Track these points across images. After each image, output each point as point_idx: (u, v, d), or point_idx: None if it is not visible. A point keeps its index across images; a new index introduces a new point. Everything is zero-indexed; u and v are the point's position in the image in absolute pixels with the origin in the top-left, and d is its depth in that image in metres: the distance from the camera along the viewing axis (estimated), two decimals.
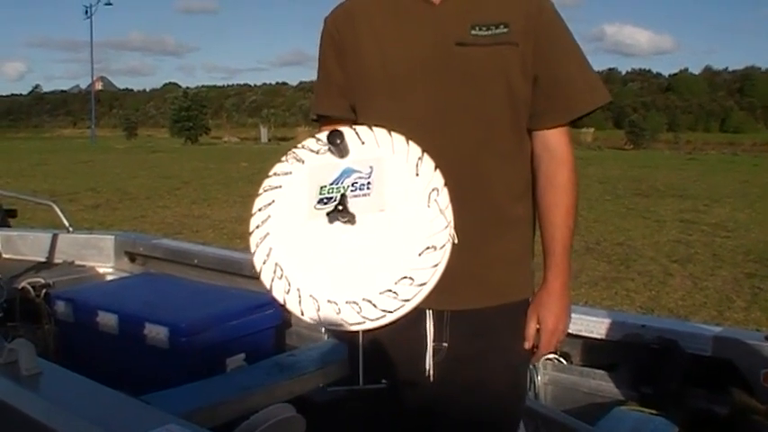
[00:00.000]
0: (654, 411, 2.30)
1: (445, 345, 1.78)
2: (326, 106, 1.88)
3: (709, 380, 2.39)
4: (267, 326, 3.04)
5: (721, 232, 10.50)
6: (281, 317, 3.09)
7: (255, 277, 3.33)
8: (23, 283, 3.56)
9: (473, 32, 1.69)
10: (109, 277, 4.01)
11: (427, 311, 1.77)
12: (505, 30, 1.69)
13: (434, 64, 1.70)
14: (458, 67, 1.70)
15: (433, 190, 1.50)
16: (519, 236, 1.82)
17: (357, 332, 1.53)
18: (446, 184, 1.56)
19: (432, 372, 1.78)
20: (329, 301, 1.45)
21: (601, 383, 2.51)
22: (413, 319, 1.76)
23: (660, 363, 2.39)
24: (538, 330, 1.78)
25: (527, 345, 1.79)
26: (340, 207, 1.50)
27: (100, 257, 4.08)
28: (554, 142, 1.78)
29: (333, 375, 2.54)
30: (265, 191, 1.61)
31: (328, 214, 1.50)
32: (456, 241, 1.47)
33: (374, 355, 1.73)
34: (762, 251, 8.94)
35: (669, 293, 6.95)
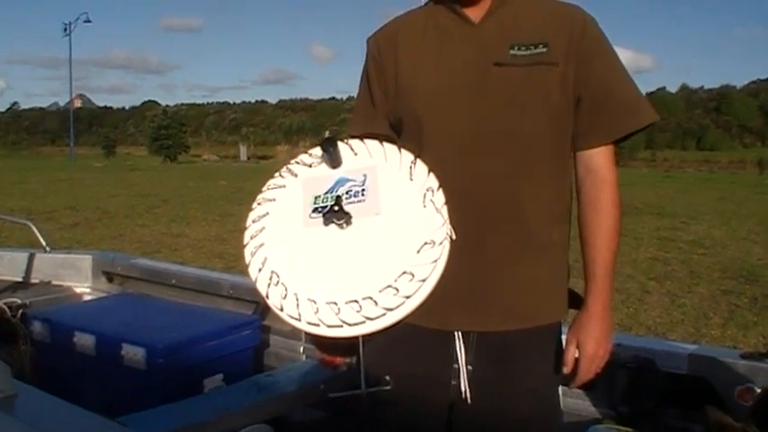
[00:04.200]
0: (630, 430, 2.31)
1: (470, 368, 1.76)
2: (365, 126, 1.87)
3: (684, 398, 2.41)
4: (245, 346, 3.04)
5: (698, 249, 10.58)
6: (259, 337, 3.09)
7: (234, 297, 3.36)
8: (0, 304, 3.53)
9: (511, 52, 1.69)
10: (86, 297, 3.98)
11: (456, 333, 1.76)
12: (544, 49, 1.69)
13: (472, 84, 1.70)
14: (495, 88, 1.69)
15: (428, 190, 1.51)
16: (552, 260, 1.80)
17: (361, 342, 1.51)
18: (478, 205, 1.61)
19: (468, 394, 1.76)
20: (328, 303, 1.42)
21: (577, 402, 2.51)
22: (437, 339, 1.76)
23: (636, 381, 2.40)
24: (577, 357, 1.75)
25: (566, 370, 1.76)
26: (336, 208, 1.50)
27: (77, 277, 4.06)
28: (597, 163, 1.76)
29: (311, 395, 2.54)
30: (259, 204, 1.60)
31: (324, 215, 1.50)
32: (454, 237, 1.46)
33: (390, 375, 1.72)
34: (738, 268, 9.02)
35: (647, 311, 6.99)
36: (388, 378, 1.62)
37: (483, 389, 1.75)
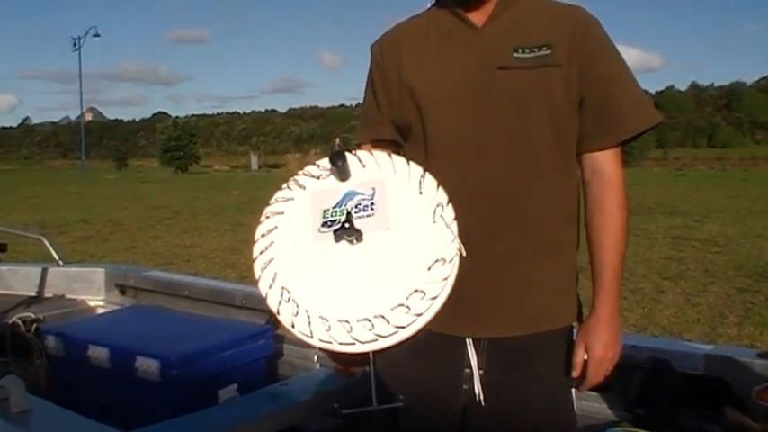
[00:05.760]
0: None
1: (481, 372, 1.76)
2: (372, 132, 1.88)
3: (701, 399, 2.39)
4: (259, 356, 3.03)
5: (712, 248, 10.52)
6: (272, 346, 3.09)
7: (247, 307, 3.36)
8: (14, 318, 3.54)
9: (515, 55, 1.69)
10: (100, 310, 3.99)
11: (467, 339, 1.76)
12: (548, 52, 1.68)
13: (476, 88, 1.70)
14: (500, 91, 1.69)
15: (437, 205, 1.50)
16: (562, 262, 1.79)
17: (371, 356, 1.50)
18: (485, 208, 1.63)
19: (482, 398, 1.75)
20: (340, 321, 1.42)
21: (593, 405, 2.50)
22: (447, 345, 1.76)
23: (652, 383, 2.38)
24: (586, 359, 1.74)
25: (574, 373, 1.75)
26: (347, 225, 1.49)
27: (90, 290, 4.07)
28: (603, 165, 1.76)
29: (326, 404, 2.53)
30: (267, 217, 1.59)
31: (335, 232, 1.49)
32: (464, 253, 1.46)
33: (401, 382, 1.71)
34: (753, 266, 8.95)
35: (662, 311, 6.95)
36: (401, 397, 1.61)
37: (495, 392, 1.75)
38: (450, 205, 1.50)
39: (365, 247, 1.49)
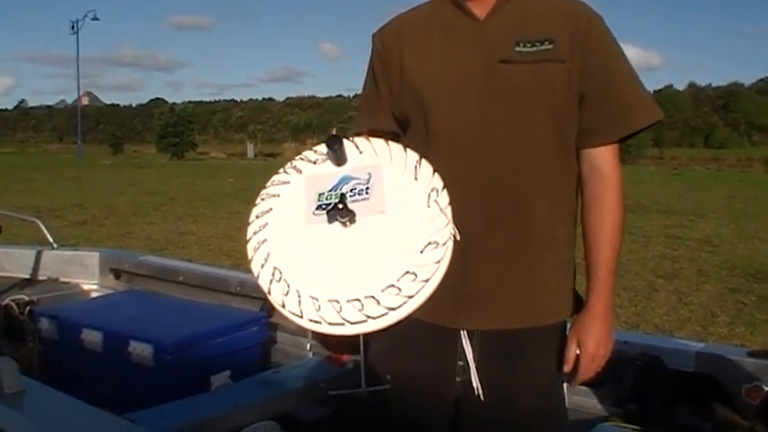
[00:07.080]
0: (637, 427, 2.31)
1: (474, 364, 1.76)
2: (371, 122, 1.87)
3: (692, 396, 2.40)
4: (252, 343, 3.04)
5: (706, 247, 10.55)
6: (266, 334, 3.10)
7: (241, 294, 3.36)
8: (7, 300, 3.54)
9: (517, 49, 1.67)
10: (94, 294, 3.99)
11: (462, 332, 1.76)
12: (550, 46, 1.67)
13: (477, 81, 1.69)
14: (501, 85, 1.68)
15: (432, 190, 1.50)
16: (559, 258, 1.79)
17: (360, 339, 1.50)
18: (483, 202, 1.62)
19: (480, 390, 1.75)
20: (330, 301, 1.41)
21: (585, 400, 2.51)
22: (441, 336, 1.76)
23: (644, 379, 2.40)
24: (578, 355, 1.74)
25: (566, 368, 1.75)
26: (340, 206, 1.48)
27: (85, 274, 4.07)
28: (601, 161, 1.75)
29: (318, 392, 2.54)
30: (263, 199, 1.59)
31: (328, 212, 1.49)
32: (458, 238, 1.45)
33: (394, 371, 1.70)
34: (746, 266, 8.99)
35: (654, 309, 6.97)
36: (389, 377, 1.61)
37: (488, 385, 1.75)
38: (444, 190, 1.50)
39: (358, 229, 1.49)
